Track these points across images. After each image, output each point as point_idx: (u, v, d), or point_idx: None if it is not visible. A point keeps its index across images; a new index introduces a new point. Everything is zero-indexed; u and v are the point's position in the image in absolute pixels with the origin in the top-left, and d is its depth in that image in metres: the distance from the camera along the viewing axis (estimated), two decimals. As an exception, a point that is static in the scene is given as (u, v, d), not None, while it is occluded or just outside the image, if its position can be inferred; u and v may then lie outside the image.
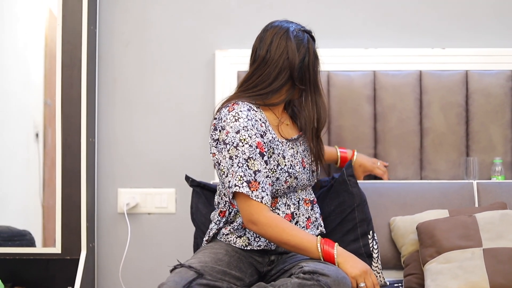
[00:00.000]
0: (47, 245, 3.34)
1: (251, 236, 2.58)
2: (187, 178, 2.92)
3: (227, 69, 3.36)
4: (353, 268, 2.37)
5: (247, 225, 2.43)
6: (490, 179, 3.24)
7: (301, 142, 2.67)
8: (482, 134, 3.28)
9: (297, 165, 2.59)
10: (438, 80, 3.29)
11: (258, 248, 2.58)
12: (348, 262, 2.39)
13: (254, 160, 2.42)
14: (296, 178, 2.59)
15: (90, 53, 3.36)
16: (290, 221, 2.59)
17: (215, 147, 2.53)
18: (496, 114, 3.28)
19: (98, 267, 3.47)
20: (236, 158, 2.42)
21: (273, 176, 2.52)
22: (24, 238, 3.35)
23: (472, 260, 2.59)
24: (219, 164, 2.49)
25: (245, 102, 2.54)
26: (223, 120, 2.50)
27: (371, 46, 3.36)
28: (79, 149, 3.30)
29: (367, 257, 2.77)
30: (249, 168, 2.41)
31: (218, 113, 2.56)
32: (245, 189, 2.39)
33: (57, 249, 3.29)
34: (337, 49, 3.36)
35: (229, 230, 2.61)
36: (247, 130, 2.45)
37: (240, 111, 2.49)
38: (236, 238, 2.60)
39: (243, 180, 2.40)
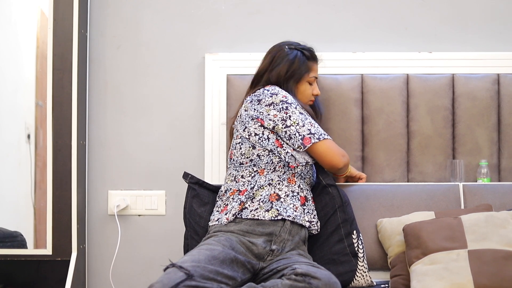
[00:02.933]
0: (38, 246, 3.34)
1: (279, 208, 2.76)
2: (186, 175, 2.96)
3: (217, 72, 3.38)
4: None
5: (340, 160, 2.88)
6: (476, 181, 3.26)
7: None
8: (468, 137, 3.30)
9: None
10: (425, 83, 3.31)
11: (288, 218, 2.74)
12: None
13: (308, 116, 2.90)
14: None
15: (81, 56, 3.37)
16: (304, 204, 2.84)
17: (273, 109, 2.85)
18: (482, 117, 3.30)
19: (88, 268, 3.48)
20: (306, 115, 2.88)
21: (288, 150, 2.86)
22: (16, 240, 3.35)
23: (457, 262, 2.61)
24: (287, 120, 2.83)
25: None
26: (269, 91, 2.88)
27: (359, 50, 3.39)
28: (70, 152, 3.31)
29: (352, 256, 2.81)
30: (315, 123, 2.89)
31: (254, 93, 2.92)
32: (329, 137, 2.86)
33: (48, 250, 3.30)
34: (325, 53, 3.36)
35: (258, 205, 2.75)
36: (289, 98, 2.88)
37: (284, 93, 2.88)
38: (265, 212, 2.73)
39: (324, 131, 2.86)
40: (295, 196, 2.82)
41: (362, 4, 3.45)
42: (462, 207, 3.09)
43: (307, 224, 2.80)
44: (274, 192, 2.79)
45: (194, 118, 3.42)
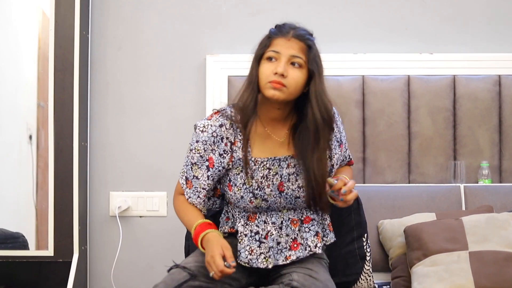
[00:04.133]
0: (40, 247, 3.34)
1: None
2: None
3: (218, 73, 3.38)
4: (206, 255, 2.34)
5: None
6: (477, 183, 3.27)
7: (291, 164, 2.49)
8: (469, 138, 3.31)
9: (268, 187, 2.46)
10: (426, 84, 3.32)
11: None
12: (206, 249, 2.36)
13: (199, 168, 2.48)
14: (265, 200, 2.46)
15: (83, 57, 3.38)
16: (266, 239, 2.48)
17: None
18: (483, 118, 3.31)
19: (90, 269, 3.49)
20: (186, 158, 2.51)
21: (237, 193, 2.47)
22: (17, 241, 3.36)
23: (458, 263, 2.62)
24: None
25: (227, 114, 2.47)
26: (202, 121, 2.50)
27: (360, 51, 3.39)
28: (71, 153, 3.31)
29: (360, 259, 2.75)
30: (191, 170, 2.49)
31: None
32: (181, 180, 2.54)
33: (49, 251, 3.31)
34: (326, 54, 3.30)
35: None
36: (205, 144, 2.45)
37: (211, 125, 2.45)
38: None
39: (184, 175, 2.52)
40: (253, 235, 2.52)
41: (362, 5, 3.45)
42: (463, 208, 3.10)
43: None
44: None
45: (195, 119, 3.39)
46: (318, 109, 2.40)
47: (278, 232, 2.49)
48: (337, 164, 2.57)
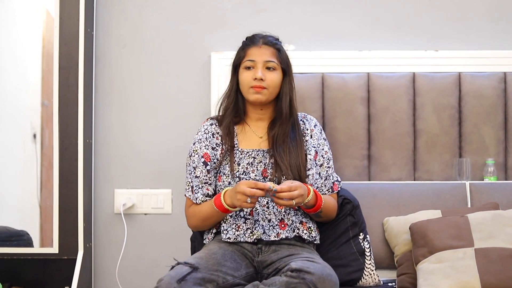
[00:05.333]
0: (45, 245, 3.35)
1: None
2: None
3: (223, 70, 3.38)
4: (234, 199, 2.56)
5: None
6: (483, 180, 3.26)
7: (272, 156, 2.76)
8: (474, 135, 3.30)
9: (253, 172, 2.74)
10: (431, 82, 3.31)
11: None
12: (231, 199, 2.58)
13: (198, 168, 2.78)
14: None
15: (87, 55, 3.38)
16: (252, 215, 2.71)
17: None
18: (489, 116, 3.30)
19: (95, 267, 3.49)
20: (188, 168, 2.81)
21: (225, 181, 2.75)
22: (22, 238, 3.37)
23: (463, 260, 2.61)
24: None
25: (217, 117, 2.87)
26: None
27: (365, 49, 3.39)
28: (76, 150, 3.32)
29: (360, 255, 2.83)
30: (194, 174, 2.78)
31: None
32: (188, 193, 2.80)
33: (54, 249, 3.31)
34: (331, 51, 3.38)
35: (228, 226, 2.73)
36: (200, 142, 2.81)
37: (203, 125, 2.86)
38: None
39: (190, 185, 2.79)
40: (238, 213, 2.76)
41: (367, 3, 3.45)
42: (469, 205, 3.10)
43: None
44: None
45: (200, 116, 3.43)
46: (286, 104, 2.79)
47: (266, 210, 2.72)
48: (314, 173, 2.80)
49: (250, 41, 2.84)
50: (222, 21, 3.48)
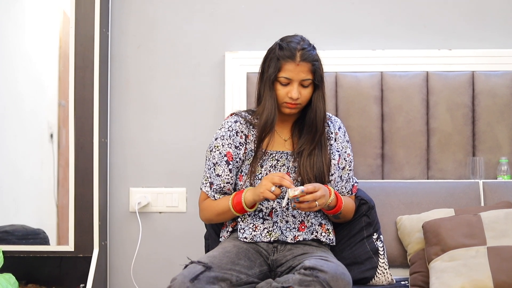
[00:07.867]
0: (61, 243, 3.37)
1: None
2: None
3: (237, 70, 3.39)
4: (255, 194, 2.58)
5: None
6: (496, 179, 3.26)
7: (296, 159, 2.74)
8: (488, 134, 3.30)
9: None
10: (445, 81, 3.31)
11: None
12: (253, 195, 2.60)
13: (219, 165, 2.74)
14: None
15: (103, 55, 3.41)
16: (270, 216, 2.71)
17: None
18: (502, 115, 3.30)
19: (110, 264, 3.52)
20: (207, 163, 2.78)
21: (247, 181, 2.72)
22: (38, 237, 3.39)
23: (476, 258, 2.61)
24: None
25: (242, 114, 2.81)
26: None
27: (379, 48, 3.39)
28: (91, 149, 3.34)
29: (374, 254, 2.84)
30: (214, 171, 2.75)
31: None
32: (205, 188, 2.78)
33: (70, 247, 3.33)
34: (344, 51, 3.38)
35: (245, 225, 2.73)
36: (223, 139, 2.75)
37: (227, 121, 2.79)
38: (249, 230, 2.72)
39: (208, 181, 2.77)
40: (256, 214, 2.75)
41: (381, 1, 3.45)
42: (482, 204, 3.09)
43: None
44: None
45: (214, 115, 3.44)
46: (320, 118, 2.72)
47: (284, 212, 2.71)
48: (336, 177, 2.79)
49: (288, 55, 2.66)
50: (236, 21, 3.49)
